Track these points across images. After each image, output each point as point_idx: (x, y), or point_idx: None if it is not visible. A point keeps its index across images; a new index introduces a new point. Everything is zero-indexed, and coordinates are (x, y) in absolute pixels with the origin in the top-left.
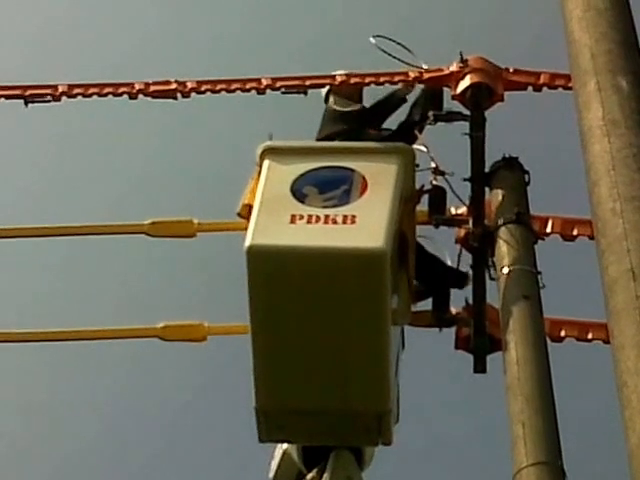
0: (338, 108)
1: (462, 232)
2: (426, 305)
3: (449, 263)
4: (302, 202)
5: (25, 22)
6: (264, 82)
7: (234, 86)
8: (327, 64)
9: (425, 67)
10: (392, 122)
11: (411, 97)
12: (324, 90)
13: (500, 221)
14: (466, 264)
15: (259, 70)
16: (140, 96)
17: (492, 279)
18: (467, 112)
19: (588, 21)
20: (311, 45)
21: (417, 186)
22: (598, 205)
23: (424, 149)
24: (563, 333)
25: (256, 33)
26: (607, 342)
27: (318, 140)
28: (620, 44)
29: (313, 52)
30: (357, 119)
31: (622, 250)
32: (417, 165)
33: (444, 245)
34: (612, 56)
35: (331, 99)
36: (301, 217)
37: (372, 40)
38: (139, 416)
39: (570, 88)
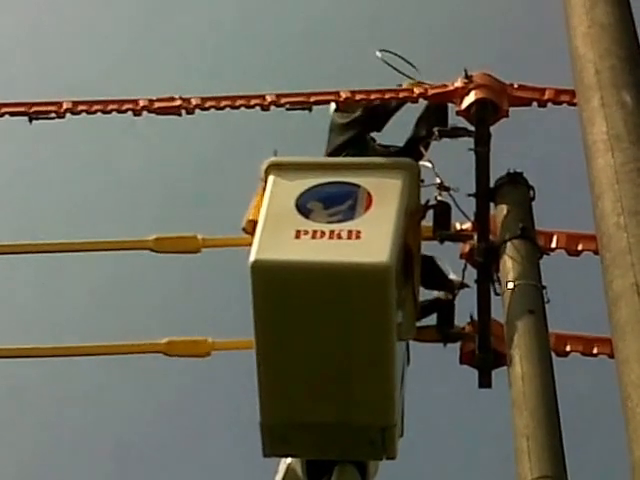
0: (341, 120)
1: (467, 247)
2: (431, 320)
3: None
4: (307, 217)
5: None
6: (268, 98)
7: (238, 102)
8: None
9: (430, 83)
10: (398, 139)
11: (416, 113)
12: (332, 108)
13: (505, 236)
14: (471, 279)
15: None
16: (144, 113)
17: (497, 294)
18: (472, 128)
19: (592, 37)
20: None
21: (422, 201)
22: (602, 219)
23: (429, 165)
24: (568, 348)
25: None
26: (612, 357)
27: (328, 155)
28: (624, 60)
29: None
30: (359, 124)
31: (626, 264)
32: (422, 180)
33: (449, 261)
34: (616, 71)
35: (335, 115)
36: (306, 232)
37: (378, 54)
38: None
39: (575, 104)
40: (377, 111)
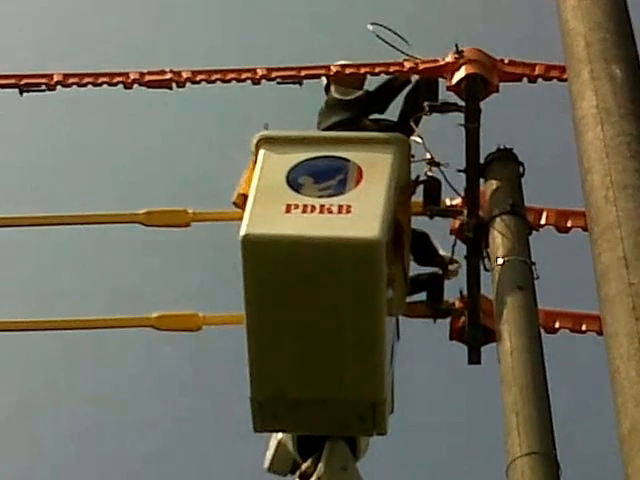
0: (341, 97)
1: (457, 223)
2: (420, 296)
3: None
4: (297, 192)
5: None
6: (259, 72)
7: (229, 76)
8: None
9: (420, 58)
10: (389, 113)
11: (406, 88)
12: (324, 81)
13: (495, 212)
14: (461, 255)
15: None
16: (135, 86)
17: (486, 270)
18: (462, 103)
19: (582, 10)
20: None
21: (412, 177)
22: (591, 193)
23: (419, 140)
24: (557, 324)
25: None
26: (601, 333)
27: (322, 130)
28: (614, 33)
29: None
30: (362, 105)
31: (615, 238)
32: (412, 156)
33: (439, 236)
34: (606, 45)
35: (332, 89)
36: (296, 206)
37: (370, 27)
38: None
39: (565, 80)
40: (380, 93)
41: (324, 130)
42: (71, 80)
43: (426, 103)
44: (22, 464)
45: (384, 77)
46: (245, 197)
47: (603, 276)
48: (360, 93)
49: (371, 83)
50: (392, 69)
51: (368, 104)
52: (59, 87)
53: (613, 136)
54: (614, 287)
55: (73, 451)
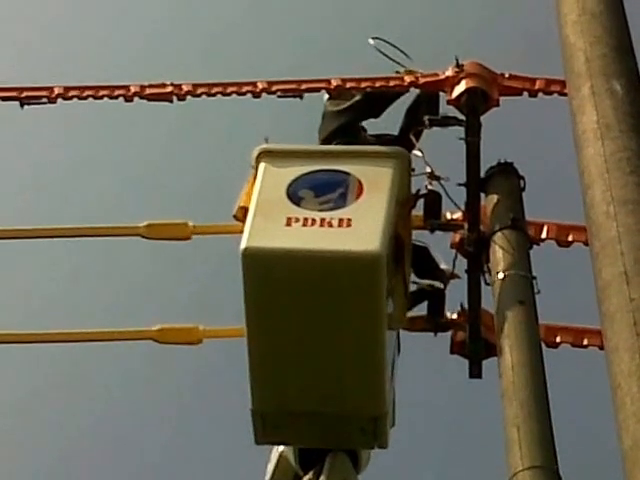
0: (334, 108)
1: (457, 237)
2: (421, 309)
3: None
4: (298, 205)
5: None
6: (260, 86)
7: (230, 89)
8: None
9: (421, 71)
10: (389, 127)
11: (407, 102)
12: (325, 96)
13: (495, 226)
14: (461, 269)
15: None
16: (136, 99)
17: (487, 284)
18: (462, 117)
19: (582, 25)
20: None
21: (413, 191)
22: (591, 208)
23: (420, 154)
24: (558, 339)
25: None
26: (602, 348)
27: (320, 142)
28: (614, 48)
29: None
30: (356, 110)
31: (615, 253)
32: (413, 169)
33: (440, 250)
34: (606, 60)
35: (327, 104)
36: (297, 220)
37: (371, 41)
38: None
39: (565, 94)
40: (375, 97)
41: (323, 141)
42: (72, 93)
43: (426, 117)
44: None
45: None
46: (245, 210)
47: (604, 292)
48: (354, 99)
49: None
50: (392, 83)
51: (363, 108)
52: (60, 100)
53: (614, 151)
54: (615, 303)
55: (70, 457)
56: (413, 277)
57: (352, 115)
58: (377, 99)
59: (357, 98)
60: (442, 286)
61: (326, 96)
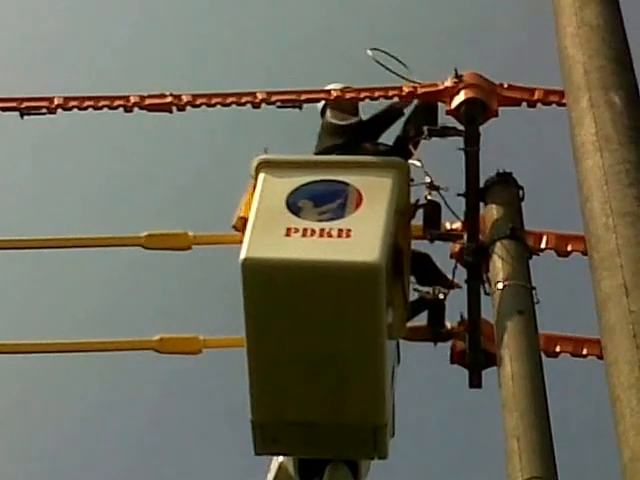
0: (335, 122)
1: (457, 247)
2: (421, 319)
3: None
4: (297, 215)
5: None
6: (259, 96)
7: (229, 100)
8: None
9: (420, 82)
10: (388, 136)
11: (406, 112)
12: (320, 104)
13: (495, 236)
14: (461, 279)
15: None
16: (135, 109)
17: (487, 294)
18: (461, 127)
19: (581, 37)
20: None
21: (412, 201)
22: (591, 220)
23: (419, 164)
24: (558, 349)
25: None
26: (601, 358)
27: (316, 154)
28: (613, 60)
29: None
30: (355, 132)
31: (615, 265)
32: (412, 180)
33: (439, 260)
34: (605, 72)
35: (328, 113)
36: (296, 230)
37: (369, 52)
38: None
39: (564, 104)
40: (374, 122)
41: (319, 153)
42: (72, 103)
43: (425, 127)
44: None
45: (382, 102)
46: (245, 221)
47: (603, 304)
48: (355, 120)
49: (368, 109)
50: (391, 93)
51: (362, 132)
52: (59, 110)
53: (612, 163)
54: (614, 315)
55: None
56: (415, 284)
57: (351, 136)
58: (374, 124)
59: (355, 121)
60: (445, 292)
61: (320, 105)
